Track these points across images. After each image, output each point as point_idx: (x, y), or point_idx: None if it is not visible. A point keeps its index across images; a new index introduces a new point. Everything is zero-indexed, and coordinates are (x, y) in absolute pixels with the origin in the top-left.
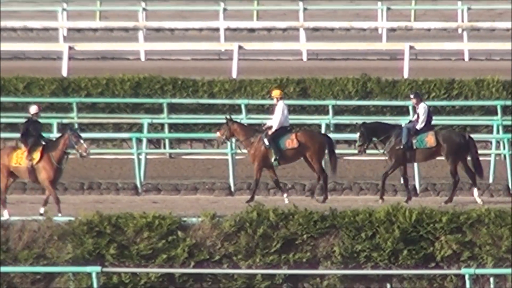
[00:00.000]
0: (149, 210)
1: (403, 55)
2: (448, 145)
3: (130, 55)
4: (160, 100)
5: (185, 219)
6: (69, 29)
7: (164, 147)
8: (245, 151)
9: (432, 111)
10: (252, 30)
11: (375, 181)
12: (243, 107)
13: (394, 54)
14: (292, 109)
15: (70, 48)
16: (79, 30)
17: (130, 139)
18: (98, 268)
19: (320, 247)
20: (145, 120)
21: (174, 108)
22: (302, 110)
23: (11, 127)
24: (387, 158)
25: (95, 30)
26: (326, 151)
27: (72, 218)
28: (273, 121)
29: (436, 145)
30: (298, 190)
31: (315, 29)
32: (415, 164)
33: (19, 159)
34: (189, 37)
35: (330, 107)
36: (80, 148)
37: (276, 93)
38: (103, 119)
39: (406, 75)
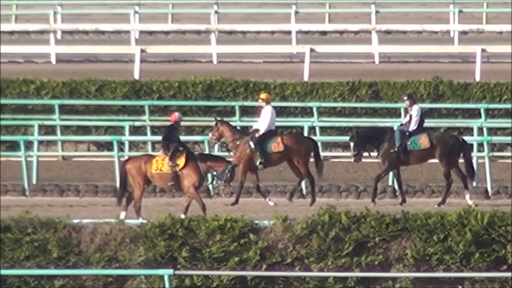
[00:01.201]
0: (221, 213)
1: (475, 58)
2: (441, 147)
3: (202, 57)
4: (232, 103)
5: (257, 221)
6: (141, 32)
7: None
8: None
9: (424, 114)
10: (324, 33)
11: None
12: (314, 110)
13: (466, 57)
14: (364, 112)
15: (142, 50)
16: (151, 32)
17: (202, 141)
18: (170, 271)
19: (392, 250)
20: None
21: (246, 111)
22: (374, 113)
23: (83, 129)
24: (380, 162)
25: (167, 32)
26: (312, 154)
27: (144, 221)
28: (260, 125)
29: (430, 146)
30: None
31: (387, 32)
32: (487, 166)
33: (160, 165)
34: (261, 40)
35: (402, 110)
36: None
37: (263, 96)
38: None
39: (478, 78)
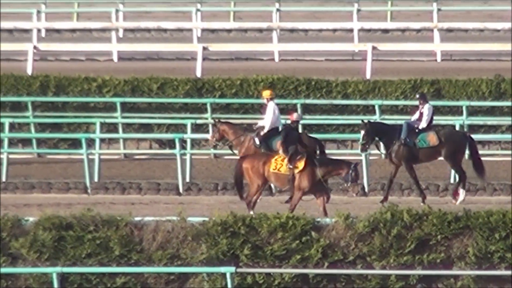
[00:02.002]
0: (283, 210)
1: None
2: (449, 144)
3: (264, 55)
4: (294, 101)
5: (318, 219)
6: (203, 30)
7: None
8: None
9: (434, 112)
10: (386, 31)
11: (508, 181)
12: (377, 108)
13: None
14: None
15: (204, 48)
16: (213, 30)
17: None
18: (232, 269)
19: (454, 248)
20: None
21: (308, 109)
22: (436, 110)
23: (145, 127)
24: (394, 161)
25: (229, 30)
26: (318, 152)
27: (206, 219)
28: (265, 122)
29: (439, 144)
30: (432, 190)
31: (449, 30)
32: None
33: (279, 165)
34: (322, 38)
35: (464, 108)
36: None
37: (266, 93)
38: (237, 119)
39: None
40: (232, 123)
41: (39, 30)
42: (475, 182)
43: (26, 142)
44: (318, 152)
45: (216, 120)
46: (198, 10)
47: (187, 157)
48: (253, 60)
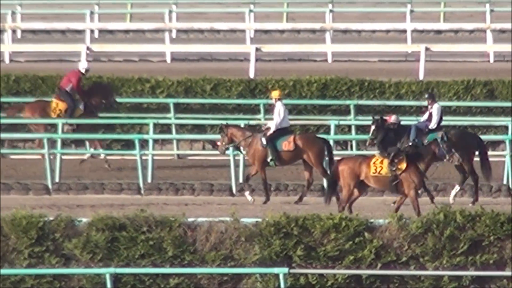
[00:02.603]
0: (336, 211)
1: None
2: (459, 145)
3: (317, 56)
4: (347, 102)
5: (372, 220)
6: (256, 31)
7: (351, 148)
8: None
9: (443, 112)
10: (439, 31)
11: None
12: None
13: None
14: (479, 111)
15: (257, 49)
16: (266, 31)
17: None
18: (285, 270)
19: (507, 249)
20: (332, 121)
21: (361, 110)
22: (488, 111)
23: (198, 128)
24: None
25: (282, 31)
26: (326, 153)
27: (260, 220)
28: (272, 122)
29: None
30: (485, 191)
31: (502, 31)
32: None
33: (379, 168)
34: (376, 39)
35: None
36: (452, 157)
37: (275, 93)
38: (290, 120)
39: None
40: (238, 126)
41: (92, 31)
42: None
43: (79, 143)
44: (326, 153)
45: (224, 125)
46: (251, 11)
47: (241, 158)
48: (306, 61)
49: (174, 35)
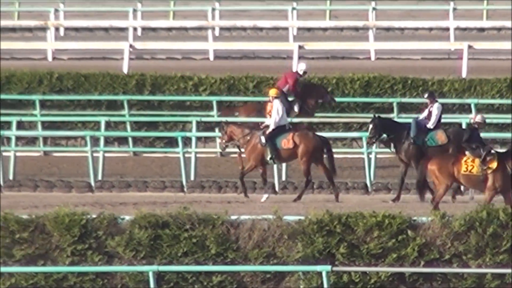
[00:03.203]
0: (378, 209)
1: None
2: (459, 142)
3: (360, 54)
4: (390, 100)
5: (415, 218)
6: (299, 28)
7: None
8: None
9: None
10: (481, 29)
11: None
12: (472, 106)
13: None
14: None
15: (300, 47)
16: (309, 29)
17: (360, 138)
18: (328, 267)
19: None
20: None
21: (404, 108)
22: None
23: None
24: (404, 159)
25: (325, 29)
26: (325, 151)
27: (302, 217)
28: (270, 120)
29: (448, 142)
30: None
31: None
32: None
33: (470, 166)
34: (418, 37)
35: None
36: None
37: (272, 92)
38: (333, 118)
39: None
40: (238, 123)
41: (135, 29)
42: None
43: (122, 141)
44: (325, 150)
45: (223, 123)
46: (294, 8)
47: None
48: (349, 58)
49: (217, 32)
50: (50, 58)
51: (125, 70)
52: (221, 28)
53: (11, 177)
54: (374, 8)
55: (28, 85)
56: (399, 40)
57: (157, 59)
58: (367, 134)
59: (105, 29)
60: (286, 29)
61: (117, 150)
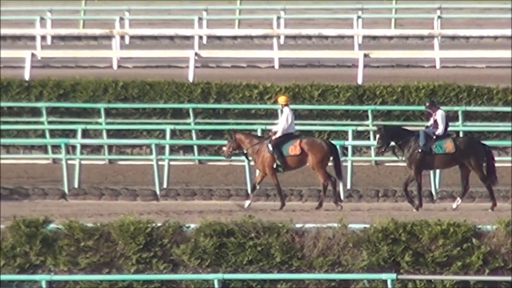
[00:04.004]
0: (443, 217)
1: None
2: (467, 152)
3: (425, 62)
4: (455, 108)
5: (479, 226)
6: (364, 37)
7: None
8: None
9: (449, 117)
10: None
11: None
12: None
13: None
14: None
15: (365, 55)
16: (374, 37)
17: None
18: (393, 275)
19: None
20: None
21: (469, 116)
22: None
23: (306, 134)
24: (406, 165)
25: (390, 37)
26: (331, 158)
27: (367, 225)
28: (278, 127)
29: (455, 151)
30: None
31: None
32: None
33: None
34: (483, 45)
35: None
36: None
37: (282, 99)
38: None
39: None
40: (247, 133)
41: (200, 37)
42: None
43: (187, 149)
44: (333, 158)
45: (232, 130)
46: (359, 17)
47: (348, 164)
48: (414, 67)
49: (282, 41)
50: (115, 66)
51: (190, 78)
52: (286, 37)
53: (76, 185)
54: (439, 17)
55: (93, 93)
56: (464, 48)
57: (223, 68)
58: (375, 144)
59: (171, 38)
60: (351, 37)
61: (182, 159)
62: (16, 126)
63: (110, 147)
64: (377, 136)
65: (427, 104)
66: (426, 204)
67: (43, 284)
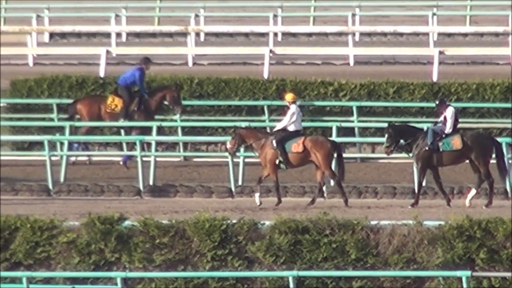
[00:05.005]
0: None
1: None
2: (475, 148)
3: (500, 59)
4: None
5: None
6: (439, 34)
7: None
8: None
9: (458, 113)
10: None
11: None
12: None
13: None
14: None
15: (440, 52)
16: (449, 34)
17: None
18: (468, 273)
19: None
20: None
21: None
22: None
23: (381, 131)
24: (414, 162)
25: (465, 35)
26: (335, 155)
27: (442, 223)
28: (280, 124)
29: (463, 147)
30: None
31: None
32: None
33: None
34: None
35: None
36: None
37: (289, 96)
38: (473, 123)
39: None
40: (252, 128)
41: (275, 34)
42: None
43: None
44: (335, 155)
45: (236, 127)
46: (434, 14)
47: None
48: (489, 64)
49: (357, 38)
50: (190, 63)
51: (265, 75)
52: (361, 34)
53: (151, 183)
54: None
55: None
56: None
57: (297, 65)
58: (384, 143)
59: (246, 35)
60: (427, 34)
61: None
62: (90, 123)
63: (185, 144)
64: (386, 135)
65: (436, 103)
66: (500, 201)
67: (118, 281)
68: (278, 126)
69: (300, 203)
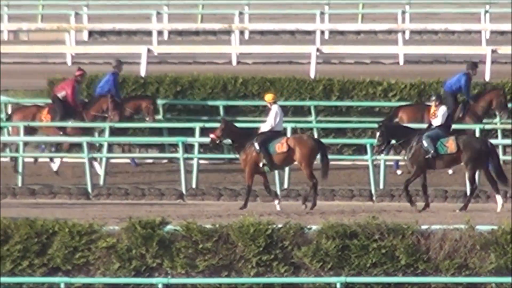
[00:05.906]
0: None
1: None
2: (468, 151)
3: None
4: None
5: None
6: (492, 32)
7: None
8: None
9: (450, 116)
10: None
11: None
12: None
13: None
14: None
15: (493, 51)
16: (502, 33)
17: None
18: None
19: None
20: None
21: None
22: None
23: None
24: (408, 164)
25: None
26: (318, 156)
27: (495, 227)
28: (265, 126)
29: (457, 151)
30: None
31: None
32: None
33: None
34: None
35: None
36: None
37: (268, 97)
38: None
39: None
40: (236, 126)
41: (322, 32)
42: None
43: None
44: (320, 155)
45: (223, 119)
46: (486, 11)
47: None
48: None
49: (407, 36)
50: (234, 62)
51: (312, 75)
52: (412, 32)
53: (194, 185)
54: None
55: (211, 90)
56: None
57: (345, 64)
58: (375, 142)
59: (291, 33)
60: (479, 32)
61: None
62: (132, 124)
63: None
64: (377, 133)
65: (432, 98)
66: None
67: (160, 287)
68: (263, 128)
69: (348, 207)
